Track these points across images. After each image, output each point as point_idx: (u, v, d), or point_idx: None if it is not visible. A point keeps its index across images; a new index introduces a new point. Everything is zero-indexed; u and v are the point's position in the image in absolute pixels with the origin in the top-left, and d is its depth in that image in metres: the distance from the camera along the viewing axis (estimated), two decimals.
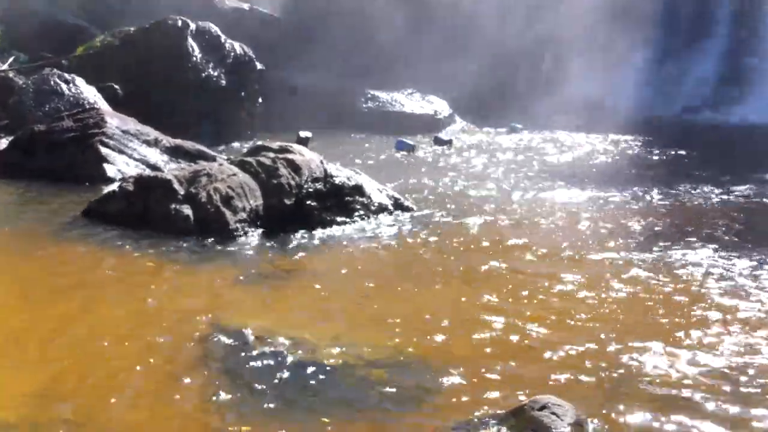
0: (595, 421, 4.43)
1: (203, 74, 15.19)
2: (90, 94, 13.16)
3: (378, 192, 9.33)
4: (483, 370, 5.11)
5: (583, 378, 5.04)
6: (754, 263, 7.53)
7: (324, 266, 7.41)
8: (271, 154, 9.18)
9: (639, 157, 14.80)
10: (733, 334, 5.81)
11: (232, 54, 15.71)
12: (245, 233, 8.10)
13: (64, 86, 13.07)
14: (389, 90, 18.60)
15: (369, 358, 5.24)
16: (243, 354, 5.21)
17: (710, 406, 4.69)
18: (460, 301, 6.44)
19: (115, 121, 11.26)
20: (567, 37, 19.82)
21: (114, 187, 9.10)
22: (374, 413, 4.58)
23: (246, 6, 18.95)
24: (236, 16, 18.27)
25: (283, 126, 15.14)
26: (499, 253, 7.78)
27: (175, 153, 11.25)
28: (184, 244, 7.66)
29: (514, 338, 5.65)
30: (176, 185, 8.44)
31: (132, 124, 11.46)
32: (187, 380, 4.85)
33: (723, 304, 6.43)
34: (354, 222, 8.72)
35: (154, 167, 10.58)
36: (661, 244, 8.22)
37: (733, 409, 4.65)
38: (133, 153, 10.91)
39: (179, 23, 15.37)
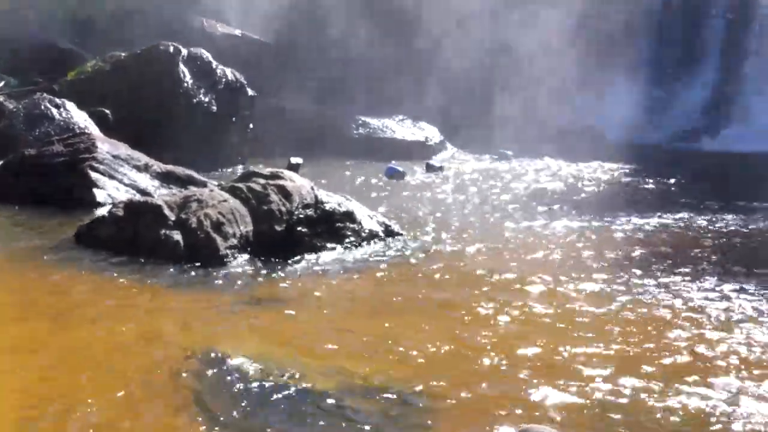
0: None
1: (194, 100, 15.21)
2: (81, 118, 13.15)
3: (369, 218, 9.33)
4: (473, 399, 5.08)
5: (573, 407, 5.01)
6: (741, 292, 7.55)
7: (314, 292, 7.38)
8: (262, 180, 9.18)
9: (628, 185, 14.87)
10: (725, 369, 5.81)
11: (224, 80, 15.75)
12: (235, 259, 8.08)
13: (54, 111, 13.06)
14: (380, 116, 18.68)
15: (358, 387, 5.20)
16: (230, 381, 5.17)
17: None
18: (450, 330, 6.40)
19: (105, 146, 11.25)
20: (557, 64, 20.01)
21: (104, 212, 9.07)
22: None
23: (238, 32, 19.04)
24: (228, 42, 18.35)
25: (274, 152, 15.16)
26: (490, 282, 7.77)
27: (165, 178, 11.24)
28: (174, 270, 7.63)
29: (503, 368, 5.62)
30: (166, 211, 8.41)
31: (123, 149, 11.45)
32: (165, 409, 4.79)
33: (718, 339, 6.42)
34: (344, 248, 8.71)
35: (144, 192, 10.56)
36: (641, 273, 8.22)
37: None
38: (123, 178, 10.89)
39: (171, 49, 15.41)
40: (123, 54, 15.78)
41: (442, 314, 6.81)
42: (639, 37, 21.30)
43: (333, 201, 9.24)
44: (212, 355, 5.55)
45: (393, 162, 15.71)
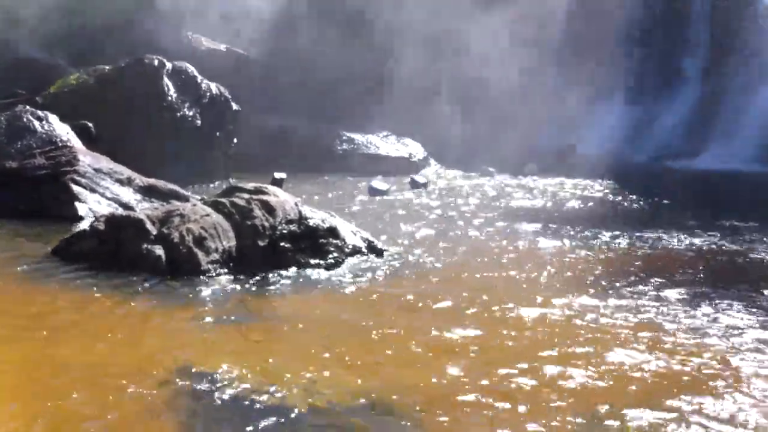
0: None
1: (178, 114, 15.18)
2: (63, 131, 13.06)
3: (352, 234, 9.32)
4: (460, 417, 5.07)
5: (559, 425, 5.01)
6: (722, 312, 7.60)
7: (296, 309, 7.36)
8: (246, 195, 9.16)
9: (609, 203, 14.95)
10: (720, 393, 5.83)
11: (208, 94, 15.73)
12: (218, 274, 8.04)
13: (36, 123, 12.96)
14: (364, 132, 18.71)
15: (340, 404, 5.17)
16: (211, 399, 5.13)
17: None
18: (433, 346, 6.40)
19: (87, 159, 11.19)
20: (538, 82, 20.17)
21: (85, 225, 9.01)
22: None
23: (223, 47, 19.03)
24: (212, 56, 18.34)
25: (257, 167, 15.13)
26: (472, 297, 7.77)
27: (148, 192, 11.19)
28: (155, 285, 7.58)
29: (486, 384, 5.61)
30: (148, 225, 8.37)
31: (105, 163, 11.39)
32: (142, 428, 4.74)
33: (709, 363, 6.45)
34: (328, 264, 8.68)
35: (126, 206, 10.50)
36: (625, 290, 8.26)
37: None
38: (105, 192, 10.83)
39: (155, 62, 15.39)
40: (107, 67, 15.73)
41: (424, 331, 6.79)
42: (620, 56, 21.48)
43: (317, 217, 9.23)
44: (192, 372, 5.50)
45: (377, 178, 15.72)
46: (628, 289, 8.28)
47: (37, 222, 9.80)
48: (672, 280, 8.73)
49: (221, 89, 15.93)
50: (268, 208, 8.96)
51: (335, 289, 7.99)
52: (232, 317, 6.94)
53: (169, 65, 15.52)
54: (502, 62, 19.80)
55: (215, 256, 8.20)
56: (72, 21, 18.17)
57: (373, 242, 9.41)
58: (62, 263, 8.11)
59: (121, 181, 11.14)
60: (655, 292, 8.16)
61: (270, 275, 8.17)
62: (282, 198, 9.33)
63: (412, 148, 18.70)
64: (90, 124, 14.16)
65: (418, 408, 5.15)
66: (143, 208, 10.06)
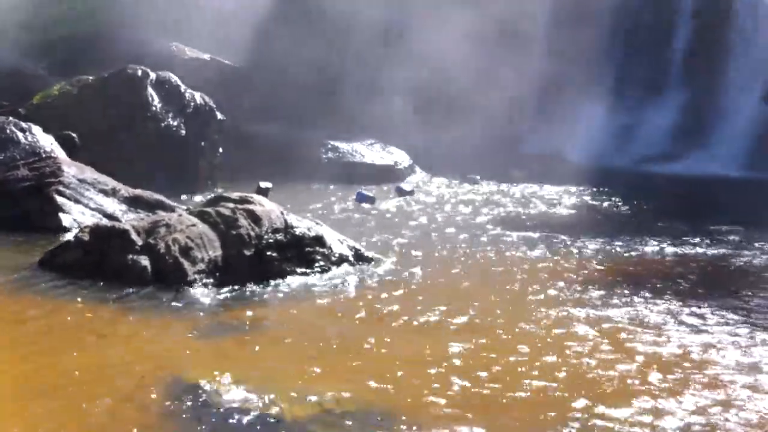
0: None
1: (163, 124, 15.13)
2: (47, 142, 12.99)
3: (339, 243, 9.31)
4: (447, 424, 5.07)
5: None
6: (706, 317, 7.64)
7: (283, 318, 7.34)
8: (231, 205, 9.13)
9: (595, 209, 14.99)
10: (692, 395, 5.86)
11: (193, 104, 15.69)
12: (204, 284, 8.01)
13: (20, 134, 12.88)
14: (349, 140, 18.70)
15: (330, 412, 5.16)
16: (197, 410, 5.10)
17: None
18: (418, 354, 6.39)
19: (72, 170, 11.13)
20: (523, 88, 20.23)
21: (70, 236, 8.96)
22: None
23: (207, 56, 18.99)
24: (197, 65, 18.28)
25: (243, 176, 15.08)
26: (459, 306, 7.78)
27: (133, 203, 11.14)
28: (141, 296, 7.54)
29: (474, 393, 5.62)
30: (134, 235, 8.33)
31: (89, 173, 11.34)
32: None
33: (686, 365, 6.48)
34: (314, 273, 8.67)
35: (111, 217, 10.45)
36: (611, 300, 8.29)
37: None
38: (89, 202, 10.77)
39: (139, 72, 15.34)
40: (90, 78, 15.67)
41: (409, 340, 6.79)
42: (605, 62, 21.59)
43: (303, 225, 9.22)
44: (178, 382, 5.47)
45: (363, 186, 15.70)
46: (610, 299, 8.29)
47: (22, 233, 9.74)
48: (651, 288, 8.77)
49: (206, 99, 15.89)
50: (254, 218, 8.94)
51: (321, 298, 7.97)
52: (219, 326, 6.91)
53: (152, 75, 15.47)
54: (487, 71, 19.87)
55: (201, 266, 8.17)
56: (55, 31, 18.10)
57: (359, 251, 9.40)
58: (46, 274, 8.05)
59: (105, 192, 11.08)
60: (641, 301, 8.20)
61: (256, 284, 8.14)
62: (268, 207, 9.31)
63: (397, 156, 18.71)
64: (74, 135, 14.10)
65: (410, 416, 5.14)
66: (129, 219, 10.02)
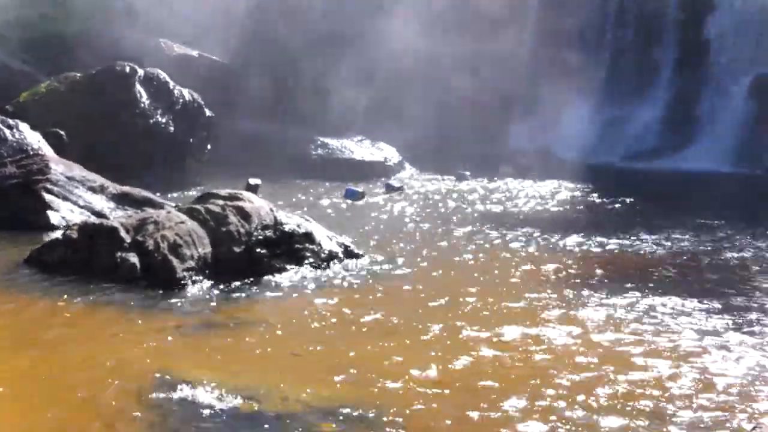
0: None
1: (151, 120, 15.07)
2: (34, 139, 12.92)
3: (328, 239, 9.30)
4: (433, 423, 5.08)
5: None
6: (694, 314, 7.68)
7: (272, 315, 7.33)
8: (220, 202, 9.11)
9: (583, 205, 15.02)
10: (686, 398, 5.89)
11: (181, 100, 15.64)
12: (193, 281, 7.98)
13: (7, 132, 12.80)
14: (339, 137, 18.68)
15: (316, 409, 5.16)
16: (185, 406, 5.09)
17: None
18: (407, 352, 6.40)
19: (59, 168, 11.08)
20: (513, 85, 20.26)
21: (58, 234, 8.92)
22: None
23: (195, 53, 18.92)
24: (185, 62, 18.21)
25: (232, 173, 15.04)
26: (447, 303, 7.79)
27: (121, 200, 11.09)
28: (130, 293, 7.51)
29: (465, 393, 5.63)
30: (122, 233, 8.30)
31: (77, 171, 11.29)
32: None
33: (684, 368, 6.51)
34: (304, 269, 8.66)
35: (99, 214, 10.41)
36: (599, 294, 8.32)
37: None
38: (78, 200, 10.72)
39: (127, 69, 15.28)
40: (78, 74, 15.59)
41: (396, 337, 6.79)
42: (594, 58, 21.64)
43: (292, 222, 9.20)
44: (167, 379, 5.46)
45: (352, 182, 15.69)
46: (595, 297, 8.30)
47: (9, 231, 9.68)
48: (631, 284, 8.80)
49: (194, 95, 15.84)
50: (243, 214, 8.92)
51: (310, 295, 7.96)
52: (207, 324, 6.90)
53: (141, 72, 15.41)
54: (475, 65, 19.89)
55: (191, 263, 8.15)
56: (43, 28, 17.99)
57: (349, 247, 9.40)
58: (34, 272, 8.02)
59: (94, 189, 11.04)
60: (632, 299, 8.23)
61: (246, 281, 8.13)
62: (257, 204, 9.29)
63: (387, 152, 18.71)
64: (62, 132, 14.03)
65: (397, 414, 5.15)
66: (117, 216, 9.98)
